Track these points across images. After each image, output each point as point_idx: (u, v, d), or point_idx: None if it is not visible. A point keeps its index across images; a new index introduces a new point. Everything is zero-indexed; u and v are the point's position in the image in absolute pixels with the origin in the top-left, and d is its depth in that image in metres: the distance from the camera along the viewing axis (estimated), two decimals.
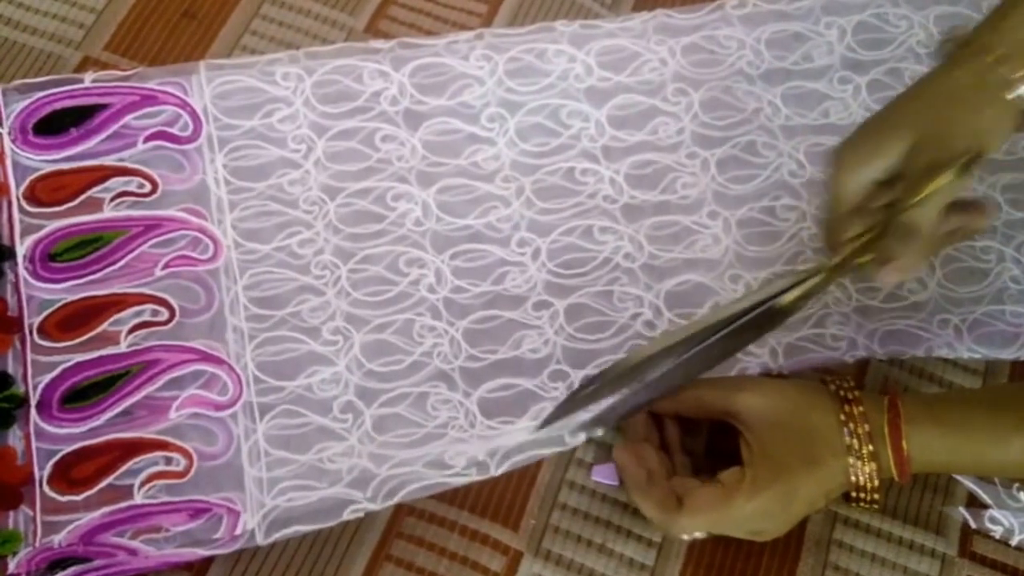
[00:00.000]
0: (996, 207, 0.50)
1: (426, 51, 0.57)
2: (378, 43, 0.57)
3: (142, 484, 0.46)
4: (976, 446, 0.45)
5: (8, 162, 0.52)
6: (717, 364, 0.48)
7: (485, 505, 0.49)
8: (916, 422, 0.45)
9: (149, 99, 0.54)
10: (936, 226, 0.46)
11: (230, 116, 0.54)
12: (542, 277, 0.52)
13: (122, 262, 0.50)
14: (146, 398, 0.48)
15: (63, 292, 0.49)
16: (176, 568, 0.46)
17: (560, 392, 0.50)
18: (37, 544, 0.45)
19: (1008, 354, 0.53)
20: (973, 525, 0.51)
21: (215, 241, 0.51)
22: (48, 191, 0.51)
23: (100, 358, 0.48)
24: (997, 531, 0.51)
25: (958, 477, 0.51)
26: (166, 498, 0.46)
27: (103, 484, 0.46)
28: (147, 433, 0.47)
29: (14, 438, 0.46)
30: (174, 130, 0.53)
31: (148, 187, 0.52)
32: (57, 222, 0.51)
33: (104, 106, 0.53)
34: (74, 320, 0.49)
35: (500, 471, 0.49)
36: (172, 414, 0.48)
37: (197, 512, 0.46)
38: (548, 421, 0.48)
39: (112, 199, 0.51)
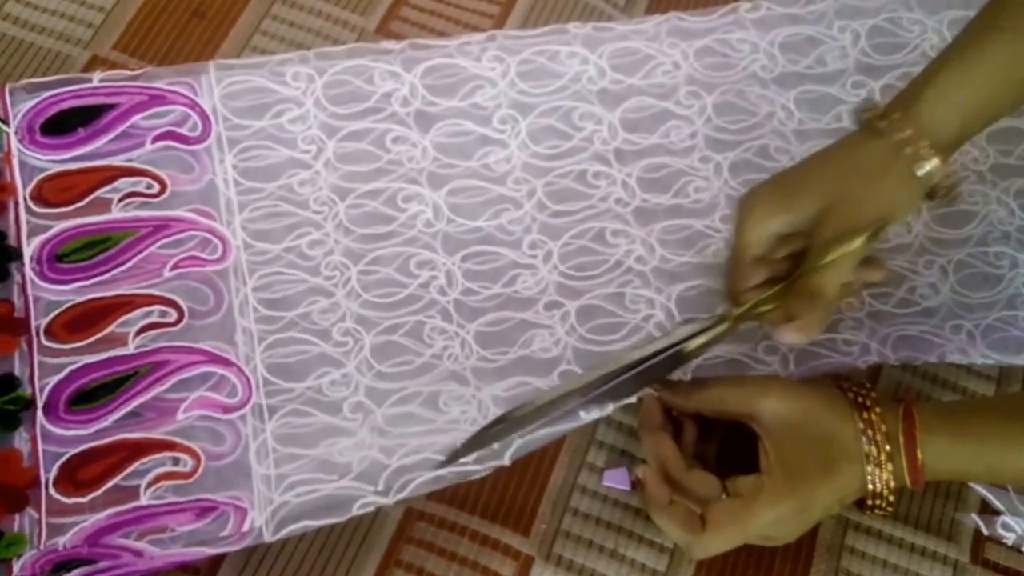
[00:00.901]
0: (883, 265, 0.52)
1: (438, 52, 0.58)
2: (390, 44, 0.58)
3: (149, 485, 0.47)
4: (990, 454, 0.46)
5: (15, 162, 0.52)
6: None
7: (496, 510, 0.50)
8: (931, 430, 0.46)
9: (158, 99, 0.55)
10: (840, 289, 0.48)
11: (240, 116, 0.55)
12: (553, 279, 0.53)
13: (130, 263, 0.51)
14: (154, 399, 0.49)
15: (70, 293, 0.50)
16: (184, 569, 0.47)
17: None
18: (42, 547, 0.45)
19: (1022, 360, 0.54)
20: (985, 532, 0.52)
21: (224, 242, 0.52)
22: (55, 191, 0.52)
23: (108, 359, 0.49)
24: (1009, 538, 0.52)
25: (971, 484, 0.52)
26: (173, 499, 0.47)
27: (109, 485, 0.47)
28: (154, 434, 0.48)
29: (20, 440, 0.47)
30: (183, 130, 0.54)
31: (156, 188, 0.53)
32: (64, 223, 0.51)
33: (112, 106, 0.54)
34: (82, 321, 0.50)
35: (511, 459, 0.49)
36: (180, 415, 0.48)
37: (204, 511, 0.47)
38: (452, 459, 0.48)
39: (120, 200, 0.52)
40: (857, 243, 0.47)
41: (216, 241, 0.52)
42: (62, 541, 0.45)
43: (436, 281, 0.53)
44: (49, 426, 0.47)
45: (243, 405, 0.49)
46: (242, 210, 0.53)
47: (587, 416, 0.50)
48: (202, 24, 0.58)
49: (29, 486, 0.46)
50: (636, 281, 0.54)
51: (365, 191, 0.54)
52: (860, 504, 0.48)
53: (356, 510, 0.48)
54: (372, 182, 0.54)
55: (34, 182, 0.52)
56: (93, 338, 0.49)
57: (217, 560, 0.47)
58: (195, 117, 0.55)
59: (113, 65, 0.56)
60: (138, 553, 0.46)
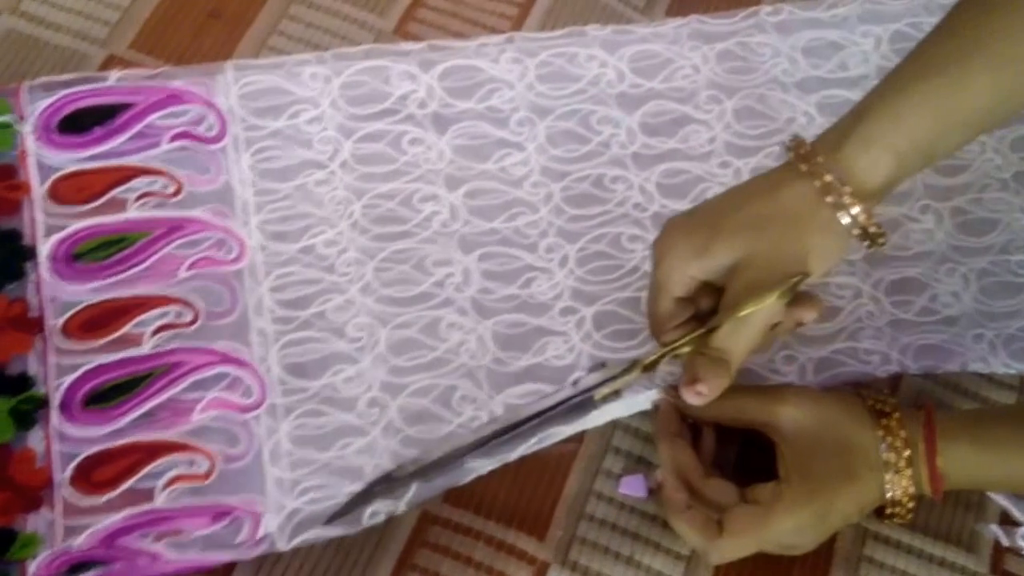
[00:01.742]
0: (820, 303, 0.49)
1: (456, 54, 0.59)
2: (407, 45, 0.59)
3: (164, 487, 0.48)
4: (1011, 463, 0.47)
5: (31, 160, 0.54)
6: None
7: (511, 515, 0.50)
8: (951, 438, 0.47)
9: (174, 98, 0.56)
10: (753, 346, 0.47)
11: (256, 117, 0.56)
12: (569, 284, 0.54)
13: (146, 263, 0.52)
14: (169, 400, 0.50)
15: (86, 293, 0.51)
16: (197, 574, 0.47)
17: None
18: (57, 547, 0.46)
19: None
20: (1005, 543, 0.52)
21: (240, 242, 0.53)
22: (71, 190, 0.53)
23: (123, 360, 0.50)
24: None
25: (991, 494, 0.53)
26: (188, 501, 0.48)
27: (125, 487, 0.48)
28: (169, 435, 0.49)
29: (34, 440, 0.48)
30: (199, 130, 0.55)
31: (172, 188, 0.54)
32: (80, 222, 0.53)
33: (128, 105, 0.55)
34: (97, 321, 0.51)
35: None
36: (195, 416, 0.49)
37: (219, 515, 0.48)
38: (339, 515, 0.48)
39: (136, 199, 0.53)
40: (769, 300, 0.45)
41: (232, 242, 0.53)
42: (77, 542, 0.46)
43: (452, 279, 0.54)
44: (64, 426, 0.48)
45: (258, 405, 0.50)
46: (258, 211, 0.54)
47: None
48: (219, 24, 0.59)
49: (43, 486, 0.47)
50: None
51: (381, 192, 0.55)
52: (879, 512, 0.49)
53: (366, 520, 0.48)
54: (388, 183, 0.55)
55: (50, 181, 0.53)
56: (108, 338, 0.50)
57: (229, 567, 0.48)
58: (211, 117, 0.56)
59: (129, 64, 0.57)
60: (154, 556, 0.47)
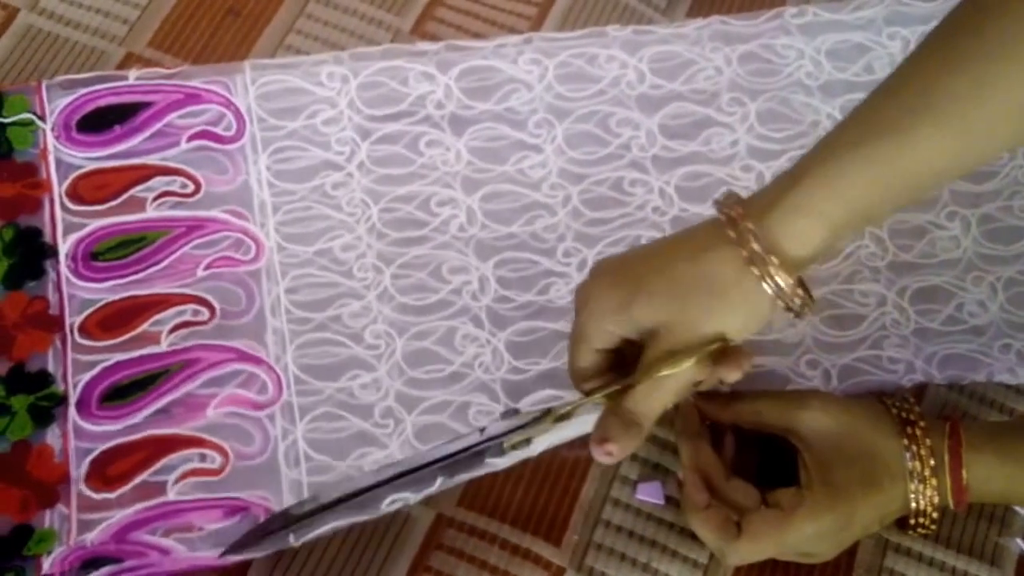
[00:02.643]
0: (747, 359, 0.47)
1: (474, 54, 0.60)
2: (425, 45, 0.60)
3: (176, 481, 0.49)
4: None
5: (51, 159, 0.55)
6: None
7: (527, 519, 0.51)
8: (977, 450, 0.48)
9: (193, 98, 0.57)
10: (668, 406, 0.46)
11: (274, 117, 0.57)
12: None
13: (164, 263, 0.54)
14: (185, 396, 0.51)
15: (105, 292, 0.53)
16: (210, 571, 0.48)
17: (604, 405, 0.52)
18: (71, 543, 0.48)
19: None
20: None
21: (257, 243, 0.55)
22: (91, 189, 0.55)
23: (140, 357, 0.52)
24: None
25: (1016, 507, 0.53)
26: (201, 495, 0.49)
27: (137, 481, 0.49)
28: (183, 430, 0.50)
29: (52, 436, 0.50)
30: (218, 130, 0.57)
31: (191, 187, 0.56)
32: (99, 221, 0.54)
33: (147, 104, 0.57)
34: (115, 320, 0.52)
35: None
36: (210, 412, 0.51)
37: (232, 510, 0.49)
38: (231, 550, 0.48)
39: (155, 199, 0.55)
40: (685, 366, 0.45)
41: (249, 242, 0.54)
42: (90, 537, 0.48)
43: (469, 287, 0.54)
44: (81, 422, 0.50)
45: (273, 403, 0.51)
46: (275, 211, 0.55)
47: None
48: (237, 22, 0.61)
49: (60, 482, 0.49)
50: None
51: (398, 195, 0.56)
52: (901, 523, 0.50)
53: (384, 508, 0.49)
54: (405, 186, 0.56)
55: (69, 179, 0.55)
56: (126, 336, 0.52)
57: (245, 563, 0.49)
58: (230, 116, 0.57)
59: (148, 62, 0.59)
60: (165, 551, 0.48)
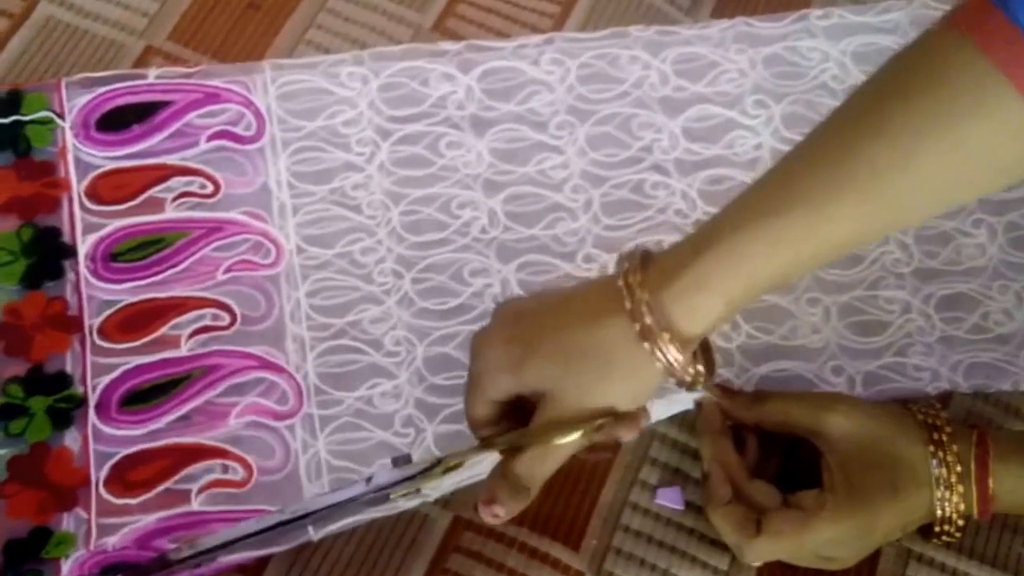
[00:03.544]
0: (640, 420, 0.47)
1: (494, 55, 0.60)
2: (446, 45, 0.60)
3: (200, 491, 0.50)
4: None
5: (70, 157, 0.56)
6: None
7: (545, 523, 0.51)
8: (1004, 460, 0.48)
9: (212, 97, 0.58)
10: (557, 468, 0.46)
11: (294, 117, 0.58)
12: None
13: (183, 265, 0.54)
14: (206, 403, 0.51)
15: (124, 293, 0.53)
16: (228, 571, 0.49)
17: None
18: (91, 547, 0.48)
19: None
20: None
21: (277, 246, 0.55)
22: (110, 189, 0.56)
23: (161, 361, 0.52)
24: None
25: None
26: (225, 506, 0.50)
27: (160, 488, 0.49)
28: (205, 439, 0.51)
29: (70, 439, 0.50)
30: (237, 130, 0.57)
31: (210, 188, 0.56)
32: (119, 221, 0.55)
33: (167, 103, 0.57)
34: (135, 322, 0.53)
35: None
36: (231, 421, 0.51)
37: None
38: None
39: (174, 199, 0.55)
40: (573, 437, 0.45)
41: (269, 245, 0.55)
42: (111, 542, 0.48)
43: (490, 290, 0.55)
44: (101, 425, 0.50)
45: (294, 413, 0.52)
46: (295, 213, 0.55)
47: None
48: (257, 16, 0.61)
49: (79, 485, 0.49)
50: None
51: (419, 196, 0.57)
52: (925, 532, 0.50)
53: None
54: (426, 187, 0.57)
55: (89, 178, 0.55)
56: (146, 339, 0.52)
57: (263, 561, 0.49)
58: (249, 116, 0.57)
59: (167, 55, 0.60)
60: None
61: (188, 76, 0.58)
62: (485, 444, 0.46)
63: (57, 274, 0.53)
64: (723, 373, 0.53)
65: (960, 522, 0.48)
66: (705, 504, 0.50)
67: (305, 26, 0.61)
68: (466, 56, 0.60)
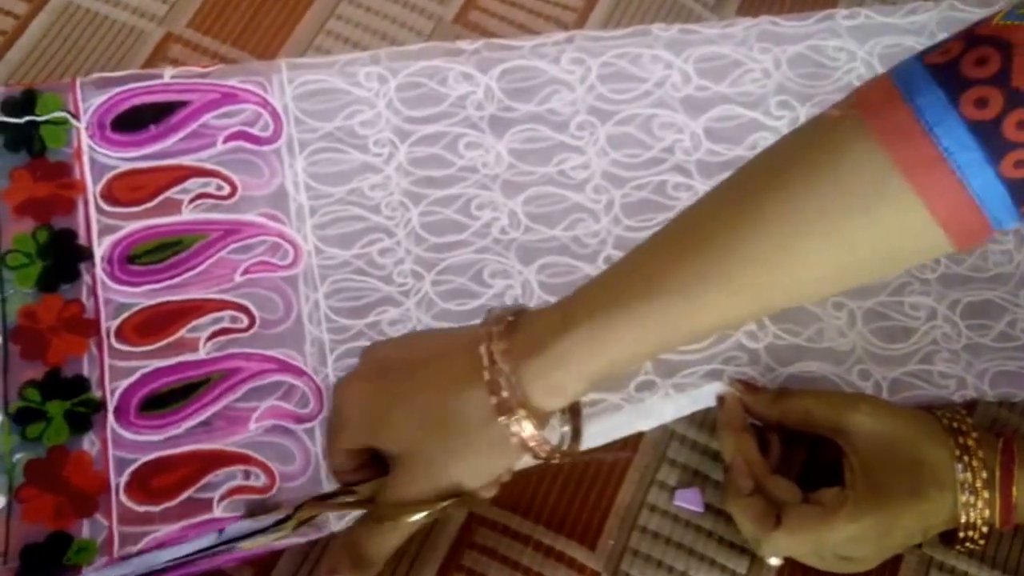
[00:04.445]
0: (510, 473, 0.47)
1: (513, 54, 0.60)
2: (463, 44, 0.60)
3: (222, 498, 0.50)
4: None
5: (85, 158, 0.55)
6: None
7: (561, 521, 0.52)
8: None
9: (229, 97, 0.57)
10: (395, 548, 0.46)
11: (311, 118, 0.57)
12: None
13: (201, 267, 0.54)
14: (225, 408, 0.52)
15: (141, 296, 0.53)
16: (241, 563, 0.49)
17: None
18: (114, 554, 0.48)
19: None
20: None
21: (295, 247, 0.55)
22: (126, 190, 0.55)
23: (179, 364, 0.52)
24: None
25: None
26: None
27: (183, 496, 0.50)
28: (226, 445, 0.51)
29: (89, 443, 0.50)
30: (254, 130, 0.57)
31: (227, 189, 0.56)
32: (135, 223, 0.54)
33: (183, 103, 0.57)
34: (152, 325, 0.53)
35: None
36: (252, 425, 0.51)
37: None
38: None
39: (191, 201, 0.55)
40: (418, 517, 0.44)
41: (287, 246, 0.55)
42: (134, 551, 0.48)
43: (511, 292, 0.55)
44: (120, 431, 0.50)
45: (314, 416, 0.52)
46: (313, 214, 0.55)
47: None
48: (277, 5, 0.61)
49: (99, 491, 0.49)
50: None
51: (438, 197, 0.56)
52: (947, 539, 0.50)
53: None
54: (445, 188, 0.57)
55: (104, 180, 0.55)
56: (164, 342, 0.52)
57: (276, 554, 0.50)
58: (266, 116, 0.57)
59: (187, 43, 0.60)
60: (211, 559, 0.48)
61: (204, 76, 0.57)
62: (338, 502, 0.46)
63: (73, 277, 0.53)
64: (748, 371, 0.53)
65: (984, 529, 0.48)
66: (725, 495, 0.50)
67: (326, 16, 0.61)
68: (484, 55, 0.59)
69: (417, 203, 0.56)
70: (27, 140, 0.55)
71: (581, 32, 0.61)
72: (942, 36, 0.61)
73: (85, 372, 0.51)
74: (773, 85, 0.60)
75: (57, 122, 0.56)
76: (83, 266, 0.53)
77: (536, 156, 0.58)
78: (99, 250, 0.53)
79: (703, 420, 0.53)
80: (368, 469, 0.46)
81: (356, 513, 0.48)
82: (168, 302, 0.53)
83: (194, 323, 0.53)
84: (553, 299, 0.54)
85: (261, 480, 0.50)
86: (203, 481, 0.50)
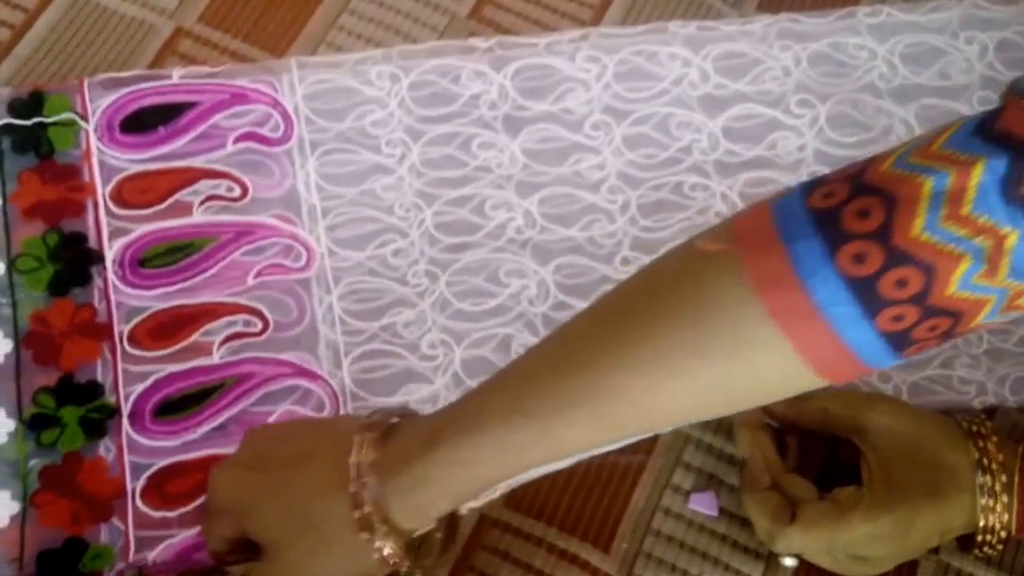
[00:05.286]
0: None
1: (526, 51, 0.59)
2: (476, 41, 0.60)
3: None
4: None
5: (94, 160, 0.55)
6: None
7: (575, 523, 0.52)
8: None
9: (239, 97, 0.57)
10: None
11: (322, 118, 0.57)
12: None
13: (213, 270, 0.54)
14: (241, 413, 0.52)
15: (153, 299, 0.53)
16: None
17: None
18: (130, 560, 0.49)
19: None
20: None
21: (308, 249, 0.55)
22: (135, 192, 0.55)
23: (193, 369, 0.52)
24: None
25: None
26: None
27: (199, 501, 0.50)
28: None
29: (104, 449, 0.50)
30: (264, 131, 0.57)
31: (238, 191, 0.56)
32: (146, 226, 0.54)
33: (192, 104, 0.57)
34: (165, 329, 0.53)
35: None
36: None
37: None
38: None
39: (201, 203, 0.55)
40: None
41: (300, 248, 0.55)
42: (151, 556, 0.49)
43: (527, 292, 0.55)
44: (135, 436, 0.51)
45: None
46: (325, 216, 0.55)
47: None
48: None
49: (114, 496, 0.50)
50: None
51: (452, 198, 0.56)
52: (965, 545, 0.50)
53: None
54: (459, 189, 0.56)
55: (114, 182, 0.55)
56: (177, 346, 0.52)
57: None
58: (277, 117, 0.57)
59: (197, 37, 0.60)
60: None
61: (213, 76, 0.57)
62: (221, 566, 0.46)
63: (84, 280, 0.53)
64: None
65: (1003, 534, 0.48)
66: (740, 489, 0.50)
67: (338, 11, 0.61)
68: (498, 53, 0.59)
69: (431, 203, 0.56)
70: (35, 142, 0.55)
71: (597, 29, 0.61)
72: (965, 35, 0.62)
73: (99, 377, 0.51)
74: (793, 83, 0.60)
75: (65, 124, 0.55)
76: (94, 269, 0.53)
77: (551, 156, 0.58)
78: (110, 253, 0.53)
79: (718, 424, 0.53)
80: (240, 552, 0.46)
81: None
82: (181, 306, 0.53)
83: (207, 327, 0.53)
84: (570, 299, 0.55)
85: None
86: None
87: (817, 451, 0.52)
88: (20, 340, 0.51)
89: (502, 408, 0.42)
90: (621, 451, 0.50)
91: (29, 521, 0.48)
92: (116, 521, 0.49)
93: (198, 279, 0.54)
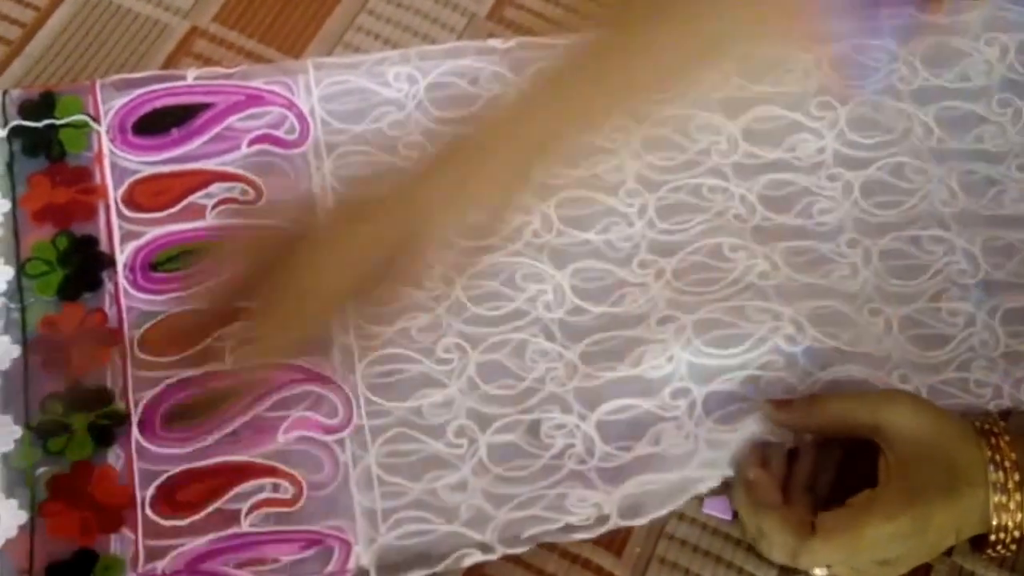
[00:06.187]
0: None
1: (548, 53, 0.58)
2: (496, 42, 0.59)
3: (249, 511, 0.49)
4: None
5: (106, 163, 0.55)
6: None
7: None
8: None
9: (254, 99, 0.56)
10: None
11: (338, 120, 0.57)
12: (665, 296, 0.55)
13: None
14: (253, 419, 0.51)
15: (165, 304, 0.52)
16: None
17: (681, 411, 0.52)
18: (140, 569, 0.48)
19: None
20: None
21: None
22: (148, 195, 0.54)
23: (204, 375, 0.51)
24: None
25: None
26: (275, 527, 0.49)
27: (210, 509, 0.49)
28: (254, 457, 0.50)
29: (113, 457, 0.49)
30: (279, 133, 0.56)
31: (252, 194, 0.55)
32: (157, 229, 0.54)
33: (207, 105, 0.56)
34: (176, 335, 0.52)
35: (623, 524, 0.50)
36: (280, 436, 0.51)
37: (309, 543, 0.49)
38: None
39: (215, 206, 0.54)
40: None
41: None
42: (161, 566, 0.48)
43: (544, 296, 0.54)
44: (145, 444, 0.50)
45: (344, 426, 0.51)
46: None
47: (703, 486, 0.51)
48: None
49: (124, 506, 0.49)
50: (758, 297, 0.54)
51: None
52: (978, 545, 0.50)
53: (466, 562, 0.49)
54: None
55: (126, 185, 0.54)
56: (188, 352, 0.51)
57: None
58: (292, 119, 0.56)
59: (212, 37, 0.59)
60: None
61: (228, 77, 0.56)
62: None
63: (95, 285, 0.52)
64: (785, 377, 0.53)
65: (1016, 533, 0.48)
66: (749, 511, 0.50)
67: (356, 11, 0.61)
68: (518, 55, 0.59)
69: None
70: (46, 144, 0.54)
71: None
72: (987, 36, 0.61)
73: (108, 383, 0.51)
74: (814, 85, 0.60)
75: (77, 125, 0.55)
76: (105, 274, 0.52)
77: (569, 160, 0.56)
78: (121, 257, 0.53)
79: None
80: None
81: None
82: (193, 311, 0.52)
83: (219, 333, 0.51)
84: (586, 304, 0.54)
85: (289, 492, 0.49)
86: (230, 494, 0.49)
87: (829, 464, 0.51)
88: (29, 345, 0.50)
89: None
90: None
91: (38, 532, 0.47)
92: (126, 531, 0.48)
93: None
